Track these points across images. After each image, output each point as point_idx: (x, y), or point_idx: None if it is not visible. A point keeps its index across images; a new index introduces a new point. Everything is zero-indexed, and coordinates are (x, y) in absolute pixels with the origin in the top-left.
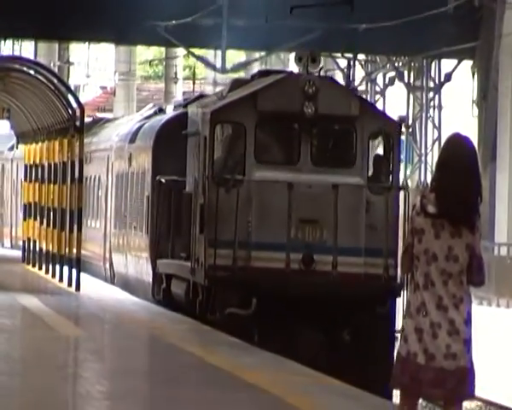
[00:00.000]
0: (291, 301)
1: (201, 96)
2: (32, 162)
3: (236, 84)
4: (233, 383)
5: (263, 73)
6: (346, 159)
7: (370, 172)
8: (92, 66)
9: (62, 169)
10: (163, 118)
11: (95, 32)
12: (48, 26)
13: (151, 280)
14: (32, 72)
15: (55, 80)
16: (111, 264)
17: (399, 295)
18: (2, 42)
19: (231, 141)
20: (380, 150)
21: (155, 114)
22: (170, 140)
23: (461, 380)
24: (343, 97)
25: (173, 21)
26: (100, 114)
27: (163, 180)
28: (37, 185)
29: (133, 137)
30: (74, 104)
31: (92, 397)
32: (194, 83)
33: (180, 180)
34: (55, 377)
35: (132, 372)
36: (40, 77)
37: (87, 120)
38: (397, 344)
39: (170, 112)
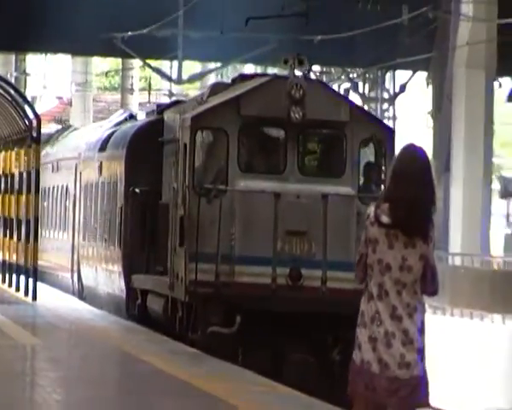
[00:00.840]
0: (277, 319)
1: (178, 101)
2: None
3: (217, 87)
4: (189, 392)
5: (244, 77)
6: (335, 167)
7: (361, 182)
8: (49, 76)
9: (19, 179)
10: (136, 124)
11: (51, 43)
12: (5, 37)
13: (125, 296)
14: None
15: (12, 91)
16: (79, 277)
17: None
18: None
19: (213, 148)
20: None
21: (126, 120)
22: (144, 148)
23: (414, 389)
24: (332, 102)
25: (129, 33)
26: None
27: (137, 190)
28: None
29: (103, 145)
30: (31, 115)
31: (48, 405)
32: (149, 94)
33: (155, 190)
34: (12, 385)
35: (89, 381)
36: None
37: (56, 128)
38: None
39: (142, 118)
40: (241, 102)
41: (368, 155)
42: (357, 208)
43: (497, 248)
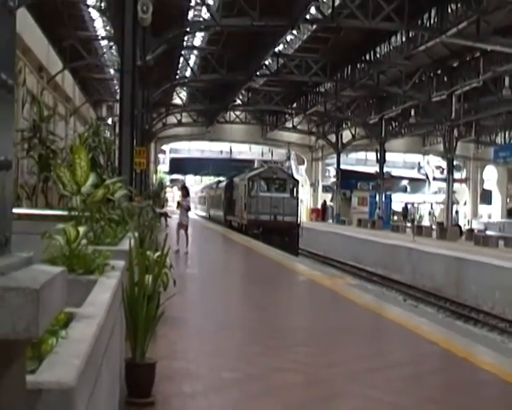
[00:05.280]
0: (271, 229)
1: (235, 174)
2: None
3: (252, 168)
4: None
5: (262, 165)
6: (284, 189)
7: (290, 194)
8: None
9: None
10: (225, 181)
11: (189, 171)
12: (177, 170)
13: (223, 220)
14: None
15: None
16: (209, 214)
17: (299, 228)
18: None
19: (254, 185)
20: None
21: (219, 181)
22: (228, 186)
23: (187, 227)
24: (283, 172)
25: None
26: None
27: (227, 196)
28: None
29: (216, 186)
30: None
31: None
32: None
33: (232, 196)
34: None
35: (202, 235)
36: None
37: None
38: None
39: (224, 182)
40: (261, 173)
41: (292, 186)
42: (290, 200)
43: None
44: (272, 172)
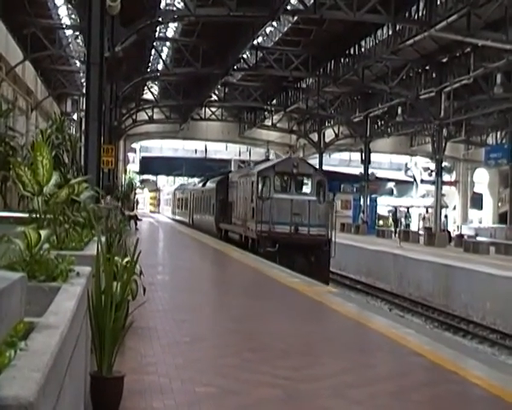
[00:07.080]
0: (290, 246)
1: (229, 171)
2: None
3: (260, 162)
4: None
5: (271, 159)
6: (309, 189)
7: (316, 196)
8: (161, 179)
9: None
10: (217, 178)
11: (163, 172)
12: (151, 171)
13: (215, 230)
14: None
15: (155, 184)
16: (192, 220)
17: (330, 244)
18: None
19: (265, 182)
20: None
21: (207, 179)
22: (221, 185)
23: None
24: (306, 165)
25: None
26: None
27: (219, 198)
28: None
29: (204, 184)
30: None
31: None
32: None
33: (225, 198)
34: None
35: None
36: None
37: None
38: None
39: (216, 178)
40: (276, 166)
41: (319, 185)
42: (317, 205)
43: None
44: (292, 164)
